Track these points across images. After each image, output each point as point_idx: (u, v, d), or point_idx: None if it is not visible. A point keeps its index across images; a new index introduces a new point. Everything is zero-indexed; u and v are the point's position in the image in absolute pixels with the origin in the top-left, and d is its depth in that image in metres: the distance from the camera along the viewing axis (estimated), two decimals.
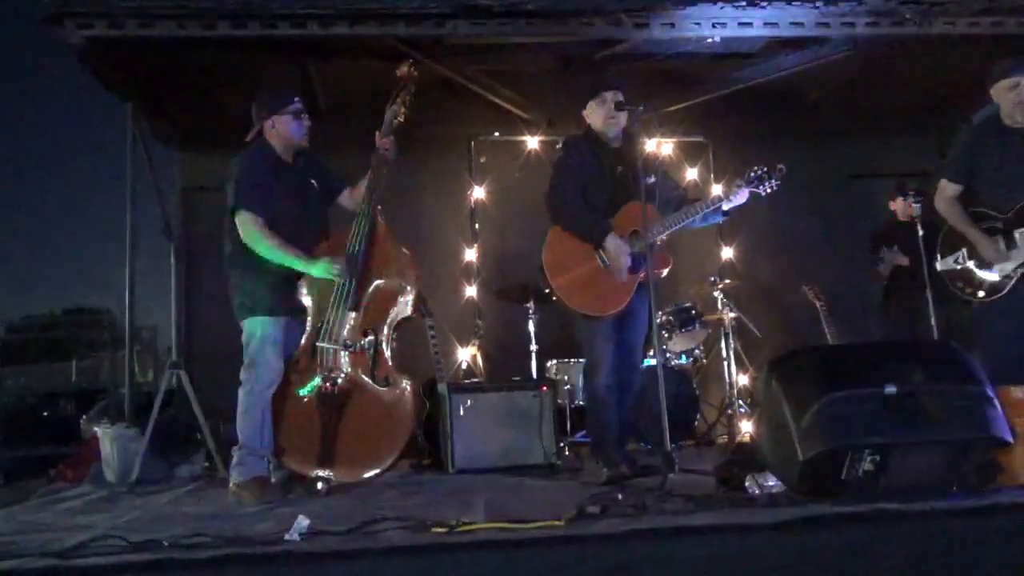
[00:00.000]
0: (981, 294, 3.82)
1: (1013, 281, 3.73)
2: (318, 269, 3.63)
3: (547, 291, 3.74)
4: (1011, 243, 3.73)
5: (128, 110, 5.14)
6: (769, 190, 3.75)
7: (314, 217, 3.82)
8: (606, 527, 2.39)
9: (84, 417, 5.22)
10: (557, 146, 4.06)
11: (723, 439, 5.37)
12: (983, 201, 3.86)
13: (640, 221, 3.64)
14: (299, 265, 3.63)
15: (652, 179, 3.66)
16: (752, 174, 3.75)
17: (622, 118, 3.78)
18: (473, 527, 2.45)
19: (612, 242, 3.67)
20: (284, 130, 3.74)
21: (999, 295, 3.77)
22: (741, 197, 3.75)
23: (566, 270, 3.71)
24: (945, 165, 4.05)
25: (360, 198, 3.82)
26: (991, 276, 3.78)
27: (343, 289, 3.65)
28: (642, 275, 3.67)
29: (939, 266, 4.02)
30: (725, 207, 3.76)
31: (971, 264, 3.85)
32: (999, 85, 3.83)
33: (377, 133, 3.86)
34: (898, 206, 5.47)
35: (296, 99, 3.77)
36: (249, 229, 3.58)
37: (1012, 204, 3.75)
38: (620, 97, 3.80)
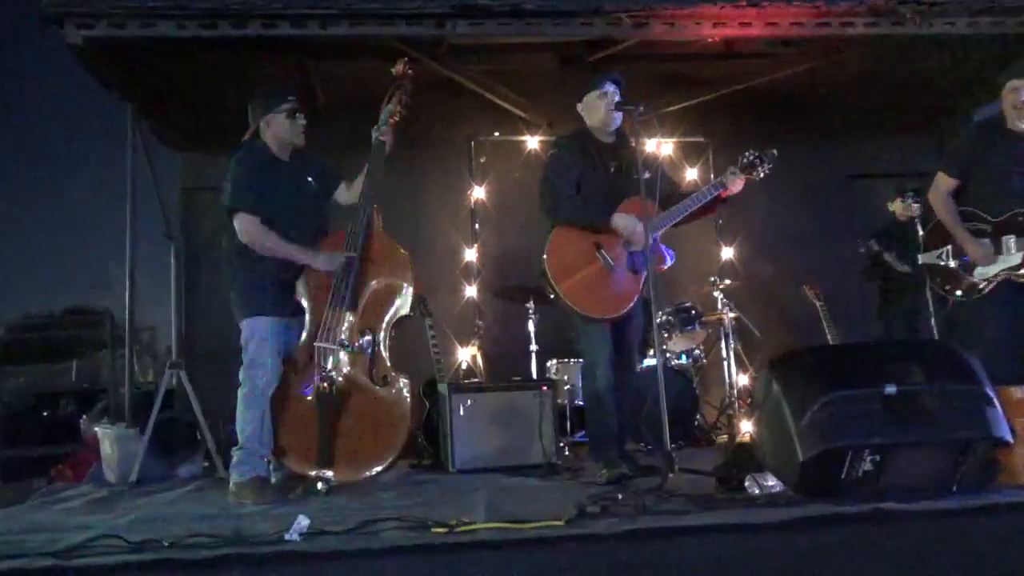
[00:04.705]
0: (958, 293, 3.83)
1: (991, 286, 3.73)
2: (321, 261, 3.63)
3: (552, 296, 3.73)
4: (997, 248, 3.73)
5: (128, 110, 5.14)
6: (763, 174, 3.78)
7: (311, 215, 3.82)
8: (606, 527, 2.39)
9: (84, 417, 5.22)
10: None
11: (723, 439, 5.37)
12: (975, 201, 3.85)
13: (641, 216, 3.63)
14: (301, 258, 3.63)
15: (648, 175, 3.64)
16: (744, 160, 3.77)
17: (619, 114, 3.78)
18: (473, 527, 2.45)
19: (619, 218, 3.64)
20: (278, 129, 3.74)
21: (975, 297, 3.77)
22: (737, 184, 3.75)
23: (570, 274, 3.68)
24: (943, 158, 4.06)
25: (358, 191, 3.82)
26: (971, 278, 3.78)
27: (341, 288, 3.65)
28: (645, 273, 3.66)
29: (921, 259, 4.03)
30: (723, 195, 3.76)
31: (953, 263, 3.86)
32: (1004, 87, 3.83)
33: (373, 130, 3.87)
34: (898, 207, 5.47)
35: (290, 98, 3.76)
36: (247, 229, 3.59)
37: (1004, 208, 3.74)
38: (619, 95, 3.80)
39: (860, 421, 2.64)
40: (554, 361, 5.41)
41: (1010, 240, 3.70)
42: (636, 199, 3.65)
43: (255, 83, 4.11)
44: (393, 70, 3.96)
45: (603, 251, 3.69)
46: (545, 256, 3.71)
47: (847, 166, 6.78)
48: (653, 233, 3.62)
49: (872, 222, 5.89)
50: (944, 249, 3.90)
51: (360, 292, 3.70)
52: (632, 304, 3.70)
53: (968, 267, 3.80)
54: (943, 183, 3.92)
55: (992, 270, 3.73)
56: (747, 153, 3.78)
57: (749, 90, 5.81)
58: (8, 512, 3.53)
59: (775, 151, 3.77)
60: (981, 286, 3.75)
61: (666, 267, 3.83)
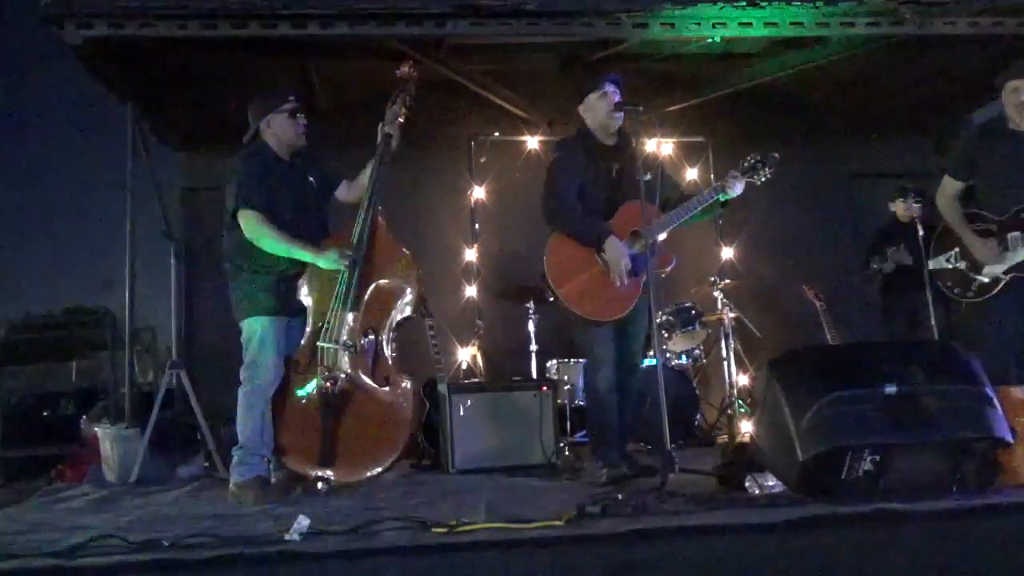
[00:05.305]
0: (970, 294, 3.84)
1: (1002, 284, 3.74)
2: (326, 260, 3.62)
3: (552, 299, 3.72)
4: (1004, 246, 3.73)
5: (128, 110, 5.14)
6: (764, 178, 3.74)
7: (313, 215, 3.82)
8: (606, 527, 2.39)
9: (84, 417, 5.21)
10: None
11: (723, 439, 5.37)
12: (980, 202, 3.88)
13: (640, 220, 3.63)
14: (307, 257, 3.63)
15: (649, 176, 3.63)
16: (746, 163, 3.74)
17: (620, 115, 3.76)
18: (473, 527, 2.45)
19: (610, 246, 3.63)
20: (279, 129, 3.74)
21: (987, 296, 3.77)
22: (738, 187, 3.73)
23: (570, 277, 3.67)
24: (948, 162, 4.07)
25: (360, 189, 3.81)
26: (981, 278, 3.79)
27: (344, 288, 3.65)
28: (645, 276, 3.66)
29: (931, 264, 4.05)
30: (722, 198, 3.75)
31: (962, 265, 3.87)
32: (1005, 87, 3.84)
33: (381, 125, 3.86)
34: (899, 207, 5.47)
35: (291, 98, 3.76)
36: (253, 226, 3.58)
37: (1009, 207, 3.76)
38: (617, 94, 3.79)
39: (860, 421, 2.64)
40: (554, 361, 5.41)
41: (1016, 237, 3.70)
42: (633, 204, 3.63)
43: (256, 83, 4.12)
44: (398, 72, 3.96)
45: (603, 254, 3.68)
46: (545, 259, 3.71)
47: (847, 166, 6.78)
48: (654, 235, 3.62)
49: (872, 222, 5.89)
50: (952, 252, 3.91)
51: (363, 292, 3.69)
52: (632, 306, 3.69)
53: (977, 267, 3.81)
54: (949, 187, 3.94)
55: (1000, 268, 3.74)
56: (749, 156, 3.75)
57: (749, 90, 5.81)
58: (8, 512, 3.53)
59: (777, 155, 3.74)
60: (991, 285, 3.75)
61: (667, 270, 3.82)
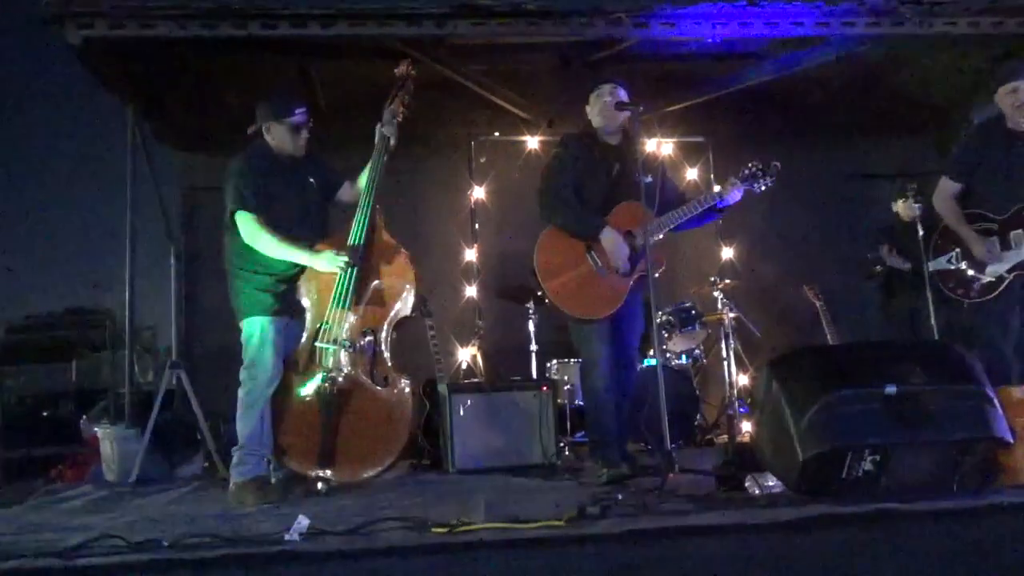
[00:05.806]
0: (972, 295, 3.84)
1: (1005, 283, 3.74)
2: (322, 262, 3.63)
3: (540, 294, 3.72)
4: (1006, 244, 3.74)
5: (128, 111, 5.14)
6: (764, 187, 3.73)
7: (312, 216, 3.82)
8: (606, 527, 2.39)
9: (84, 417, 5.22)
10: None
11: (723, 439, 5.37)
12: (980, 202, 3.88)
13: (635, 221, 3.62)
14: (303, 259, 3.63)
15: (649, 178, 3.63)
16: (746, 171, 3.73)
17: (621, 115, 3.76)
18: (473, 527, 2.45)
19: (607, 235, 3.62)
20: (279, 139, 3.73)
21: (990, 296, 3.77)
22: (735, 195, 3.72)
23: (558, 274, 3.67)
24: (947, 164, 4.07)
25: (361, 188, 3.82)
26: (984, 277, 3.79)
27: (343, 288, 3.65)
28: (636, 277, 3.66)
29: (931, 266, 4.04)
30: (720, 205, 3.74)
31: (964, 265, 3.86)
32: (1001, 89, 3.84)
33: (378, 125, 3.86)
34: (901, 207, 5.47)
35: (298, 111, 3.73)
36: (250, 228, 3.58)
37: (1009, 206, 3.76)
38: (620, 94, 3.78)
39: (860, 421, 2.64)
40: (554, 361, 5.41)
41: (1019, 234, 3.71)
42: (629, 204, 3.64)
43: (256, 83, 4.12)
44: (395, 71, 3.96)
45: (593, 253, 3.67)
46: (535, 255, 3.71)
47: (847, 166, 6.78)
48: (650, 237, 3.61)
49: (873, 222, 5.89)
50: (953, 252, 3.91)
51: (362, 292, 3.70)
52: (619, 305, 3.68)
53: (979, 267, 3.81)
54: (947, 188, 3.94)
55: (1003, 267, 3.74)
56: (750, 164, 3.74)
57: (749, 90, 5.81)
58: (8, 512, 3.53)
59: (778, 164, 3.73)
60: (994, 285, 3.75)
61: (657, 273, 3.81)
